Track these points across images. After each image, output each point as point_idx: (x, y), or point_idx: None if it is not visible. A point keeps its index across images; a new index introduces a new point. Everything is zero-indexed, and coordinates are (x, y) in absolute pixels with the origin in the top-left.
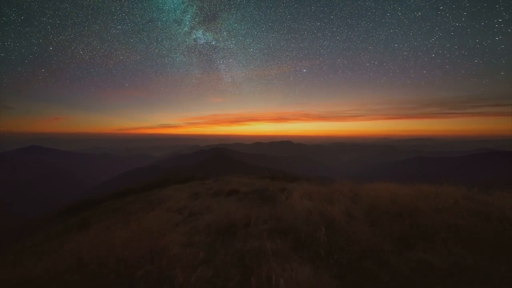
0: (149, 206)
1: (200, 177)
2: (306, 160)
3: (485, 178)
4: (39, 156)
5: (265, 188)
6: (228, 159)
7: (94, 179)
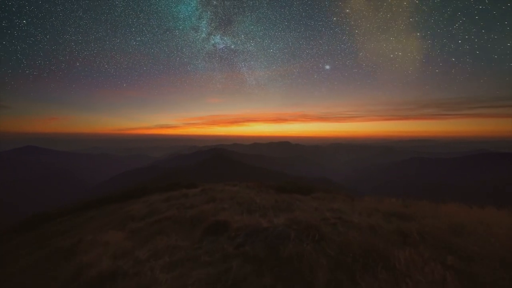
0: (76, 247)
1: (186, 185)
2: (304, 161)
3: (483, 179)
4: (37, 156)
5: (281, 232)
6: (227, 159)
7: (93, 179)
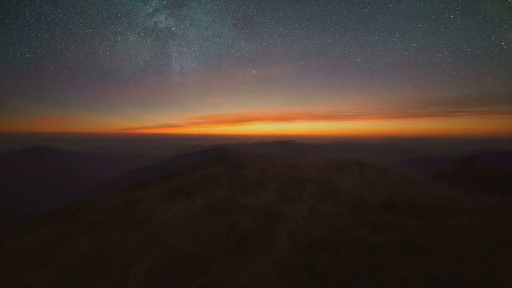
0: None
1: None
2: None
3: None
4: (45, 156)
5: None
6: (231, 159)
7: (97, 178)
